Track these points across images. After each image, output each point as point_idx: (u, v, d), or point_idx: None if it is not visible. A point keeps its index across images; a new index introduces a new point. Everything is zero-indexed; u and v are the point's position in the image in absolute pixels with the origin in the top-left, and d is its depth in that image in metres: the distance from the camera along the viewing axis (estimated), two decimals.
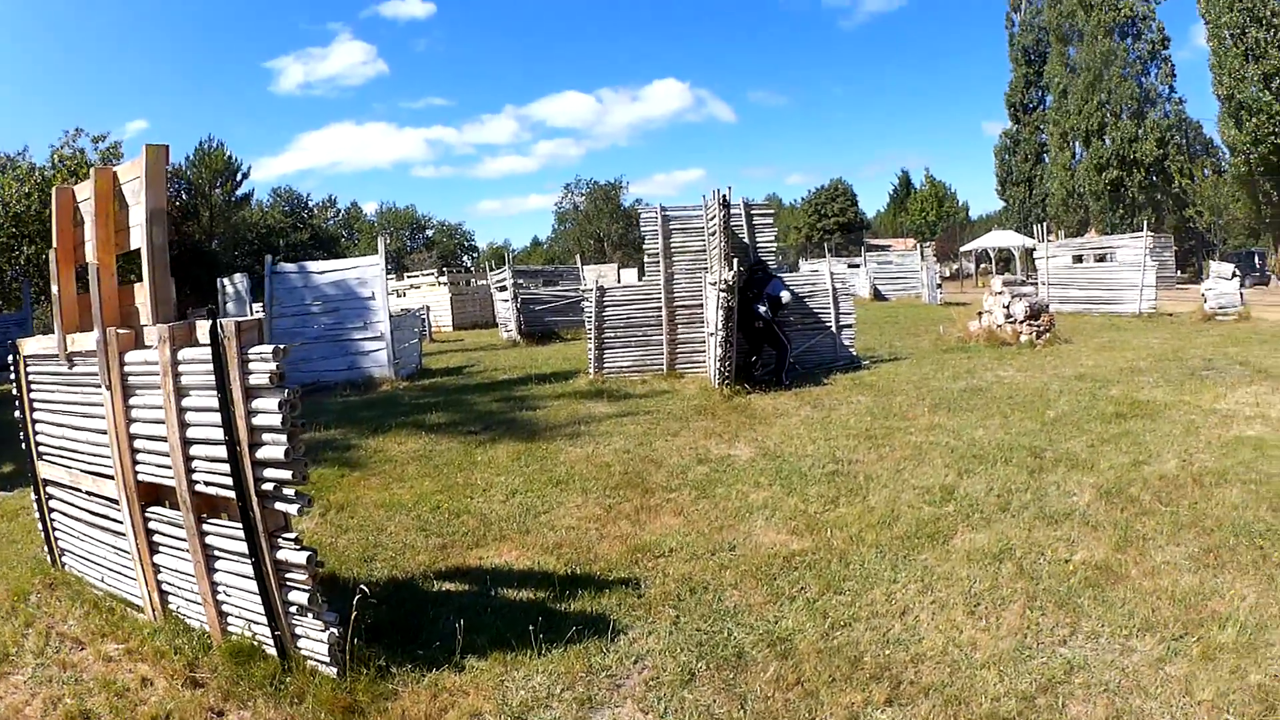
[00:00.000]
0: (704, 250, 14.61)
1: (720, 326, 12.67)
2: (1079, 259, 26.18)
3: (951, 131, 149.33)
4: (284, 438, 4.21)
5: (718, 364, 12.93)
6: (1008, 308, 17.32)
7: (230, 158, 61.46)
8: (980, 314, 18.20)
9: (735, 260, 12.95)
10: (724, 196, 13.06)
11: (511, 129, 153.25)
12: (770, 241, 15.02)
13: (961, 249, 58.09)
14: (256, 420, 4.29)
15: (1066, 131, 50.01)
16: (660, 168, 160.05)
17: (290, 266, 18.04)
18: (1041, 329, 16.92)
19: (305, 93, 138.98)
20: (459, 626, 4.83)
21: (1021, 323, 17.01)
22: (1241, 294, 21.54)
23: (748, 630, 4.95)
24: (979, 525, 6.56)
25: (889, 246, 61.86)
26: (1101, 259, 25.49)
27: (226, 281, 28.34)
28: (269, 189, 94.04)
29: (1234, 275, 21.61)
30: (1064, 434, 9.23)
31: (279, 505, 4.35)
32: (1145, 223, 27.38)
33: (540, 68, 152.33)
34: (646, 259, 15.39)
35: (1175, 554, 5.66)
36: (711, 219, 13.92)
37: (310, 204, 79.82)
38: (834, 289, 15.32)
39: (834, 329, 15.30)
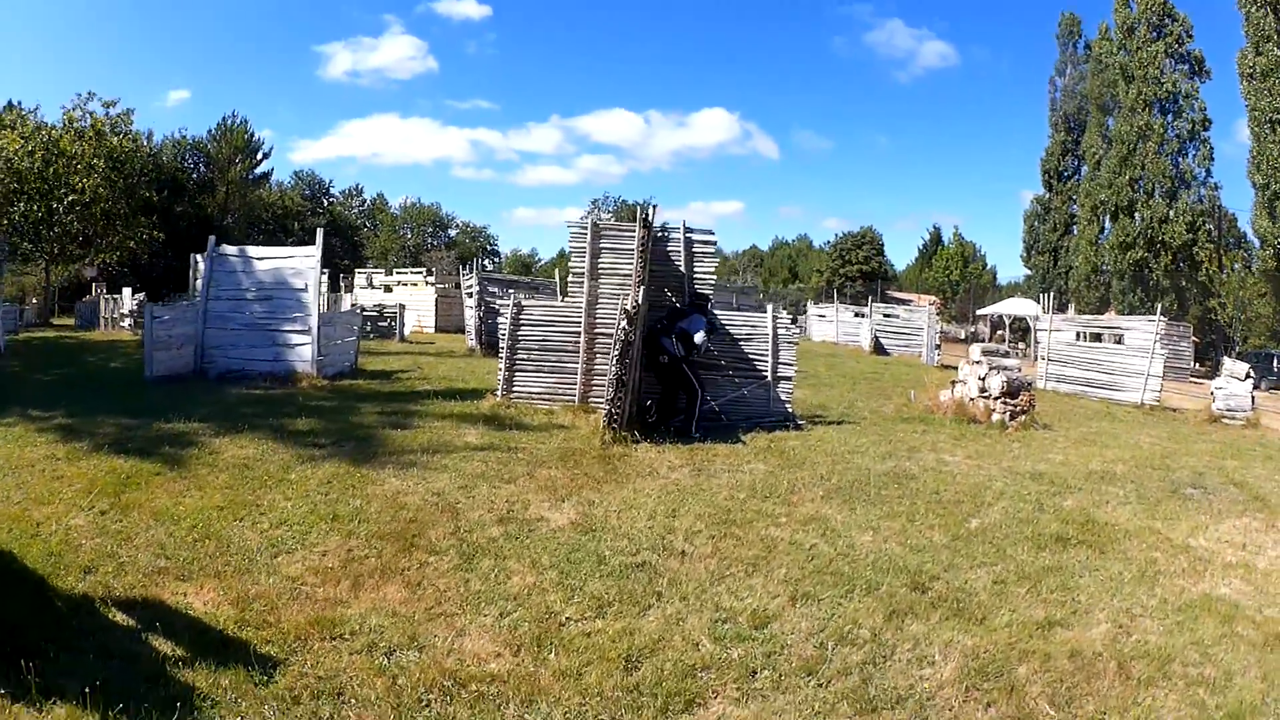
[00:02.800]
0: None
1: (614, 361, 10.44)
2: (1089, 336, 23.40)
3: (990, 194, 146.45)
4: None
5: (607, 404, 10.61)
6: (983, 380, 14.75)
7: (251, 136, 60.98)
8: (953, 383, 15.66)
9: (643, 288, 11.05)
10: (645, 216, 11.28)
11: (556, 139, 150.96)
12: (710, 272, 12.89)
13: (978, 312, 55.43)
14: None
15: (1097, 205, 46.90)
16: (699, 196, 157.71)
17: (232, 249, 16.60)
18: (1017, 409, 14.34)
19: (352, 81, 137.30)
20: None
21: (995, 399, 14.43)
22: (1254, 397, 18.61)
23: None
24: (751, 696, 4.44)
25: (910, 301, 59.73)
26: (1098, 337, 22.89)
27: (199, 257, 26.35)
28: (292, 171, 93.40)
29: (1248, 376, 18.63)
30: (974, 557, 6.88)
31: None
32: (1160, 308, 24.62)
33: (591, 81, 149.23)
34: (571, 278, 13.10)
35: None
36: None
37: (332, 190, 78.65)
38: (774, 334, 12.91)
39: (769, 380, 12.86)
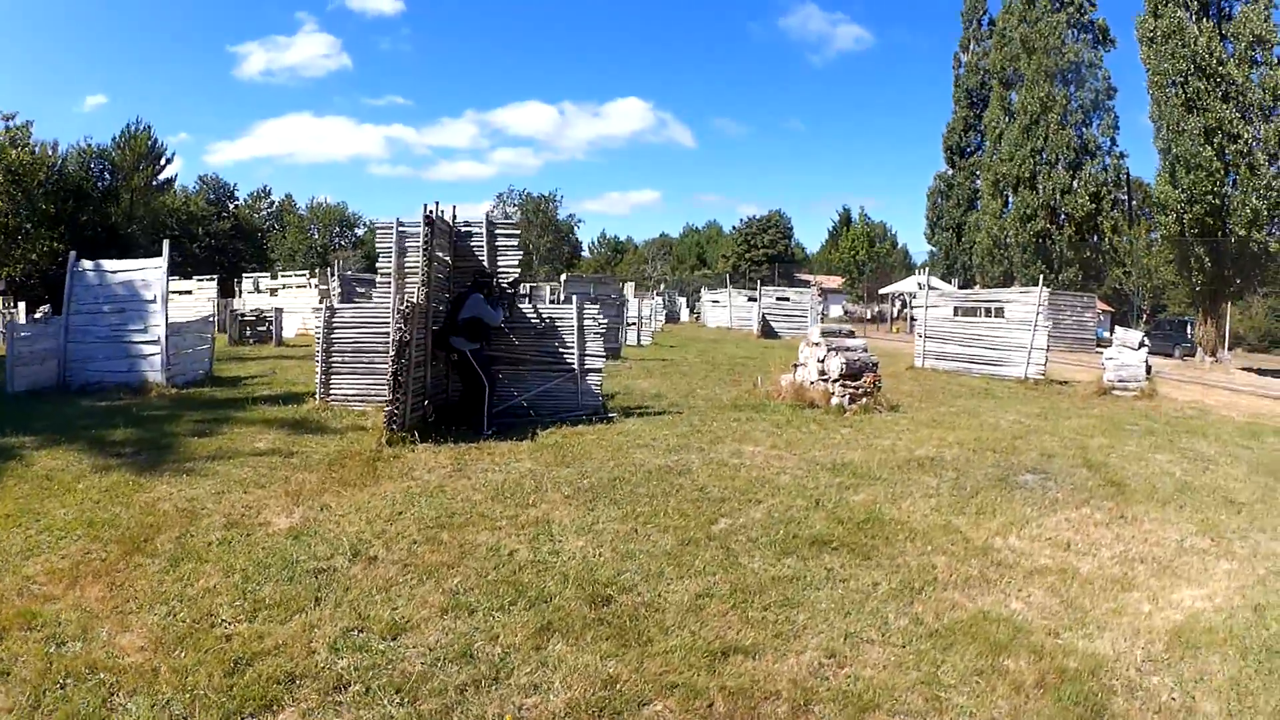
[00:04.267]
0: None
1: (391, 360, 9.97)
2: (962, 311, 23.10)
3: (905, 174, 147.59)
4: None
5: (387, 405, 10.15)
6: (822, 362, 14.32)
7: (154, 142, 60.48)
8: (795, 366, 15.22)
9: (426, 288, 10.81)
10: (428, 214, 10.80)
11: (471, 133, 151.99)
12: (513, 265, 12.45)
13: (880, 291, 55.50)
14: None
15: (999, 179, 47.04)
16: (616, 186, 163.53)
17: (88, 264, 16.49)
18: (859, 391, 13.93)
19: (266, 80, 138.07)
20: None
21: (834, 382, 14.00)
22: (1149, 366, 18.10)
23: None
24: (325, 708, 4.21)
25: (817, 283, 60.81)
26: (972, 312, 22.67)
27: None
28: (197, 176, 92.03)
29: (1141, 345, 18.08)
30: (692, 565, 6.15)
31: None
32: (1040, 278, 24.39)
33: (504, 74, 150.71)
34: (379, 279, 12.68)
35: None
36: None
37: (236, 193, 77.76)
38: (579, 325, 12.42)
39: (577, 372, 12.40)
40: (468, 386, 11.44)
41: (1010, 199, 46.91)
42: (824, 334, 14.86)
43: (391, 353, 9.98)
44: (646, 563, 6.16)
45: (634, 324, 30.38)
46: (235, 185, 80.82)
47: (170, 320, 15.91)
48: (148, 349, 15.68)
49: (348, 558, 6.19)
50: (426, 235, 10.63)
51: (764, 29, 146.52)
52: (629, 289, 50.48)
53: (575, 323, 12.38)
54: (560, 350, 12.40)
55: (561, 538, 6.72)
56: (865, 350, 14.55)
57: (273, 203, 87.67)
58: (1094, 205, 43.21)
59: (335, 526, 6.92)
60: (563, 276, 24.89)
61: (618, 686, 4.36)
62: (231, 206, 74.12)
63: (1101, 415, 14.44)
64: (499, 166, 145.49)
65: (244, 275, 40.67)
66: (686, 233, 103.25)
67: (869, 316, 52.48)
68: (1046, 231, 43.94)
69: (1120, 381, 17.78)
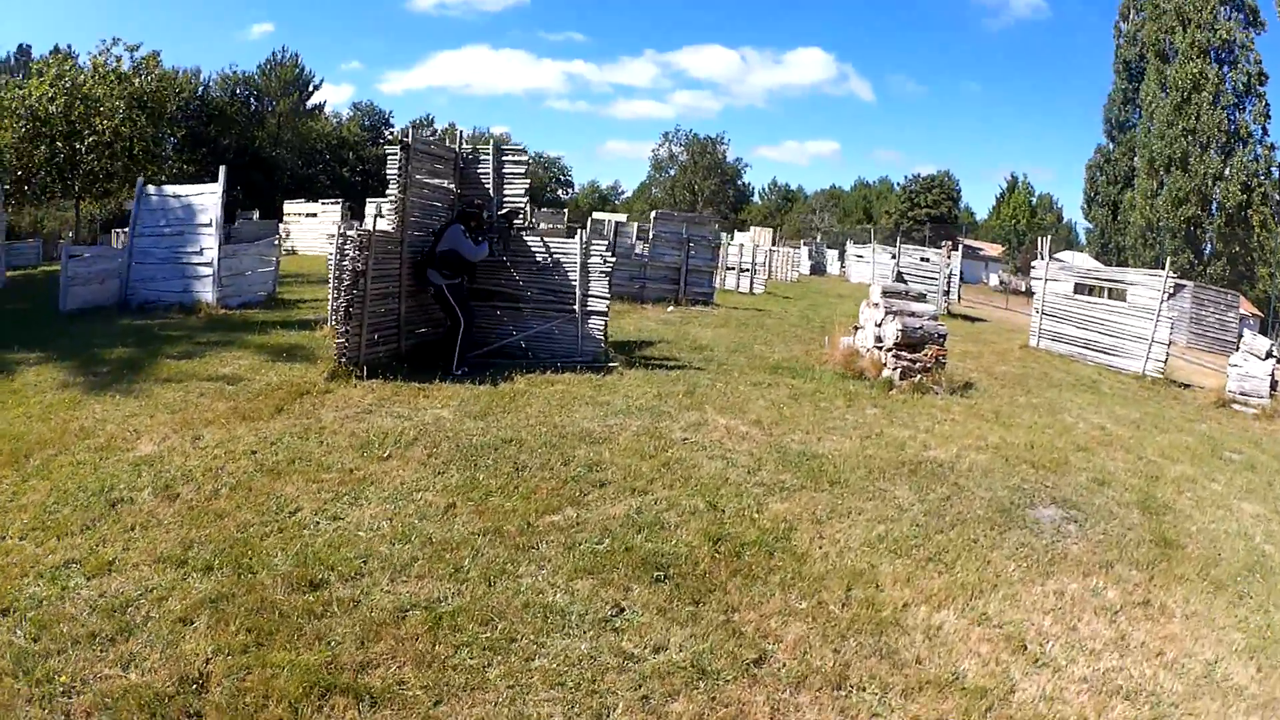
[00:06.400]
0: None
1: (344, 291, 9.13)
2: (1084, 289, 19.85)
3: (1079, 148, 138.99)
4: None
5: (339, 337, 9.33)
6: (879, 326, 12.25)
7: (301, 70, 61.20)
8: (855, 329, 13.36)
9: (393, 215, 10.08)
10: (402, 139, 10.03)
11: (651, 73, 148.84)
12: (519, 193, 11.32)
13: (1033, 264, 51.92)
14: None
15: (1154, 157, 42.82)
16: (794, 135, 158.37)
17: (153, 189, 16.89)
18: (915, 365, 11.67)
19: (440, 12, 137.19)
20: None
21: (887, 351, 11.86)
22: (1275, 381, 14.81)
23: None
24: None
25: (980, 249, 58.79)
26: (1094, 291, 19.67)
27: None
28: (350, 102, 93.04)
29: (1269, 355, 14.79)
30: (437, 566, 4.93)
31: None
32: (1169, 264, 21.26)
33: (684, 15, 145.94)
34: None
35: None
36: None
37: (392, 121, 77.21)
38: (584, 262, 11.07)
39: (579, 314, 11.14)
40: (450, 322, 10.41)
41: (1164, 180, 42.78)
42: (887, 293, 12.64)
43: (345, 281, 9.11)
44: (401, 551, 5.09)
45: (747, 270, 29.08)
46: (390, 113, 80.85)
47: (231, 243, 16.37)
48: (203, 270, 15.82)
49: (153, 491, 5.85)
50: (401, 160, 9.71)
51: None
52: (761, 234, 49.06)
53: (578, 260, 11.09)
54: (563, 290, 11.19)
55: (363, 504, 5.78)
56: (934, 319, 12.19)
57: (434, 132, 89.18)
58: (1244, 196, 38.95)
59: (183, 459, 6.53)
60: (652, 214, 23.44)
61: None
62: (387, 133, 74.82)
63: (1204, 435, 11.25)
64: (678, 108, 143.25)
65: (370, 200, 40.64)
66: (856, 186, 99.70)
67: (1023, 289, 49.07)
68: (1197, 219, 39.89)
69: (1242, 394, 14.81)
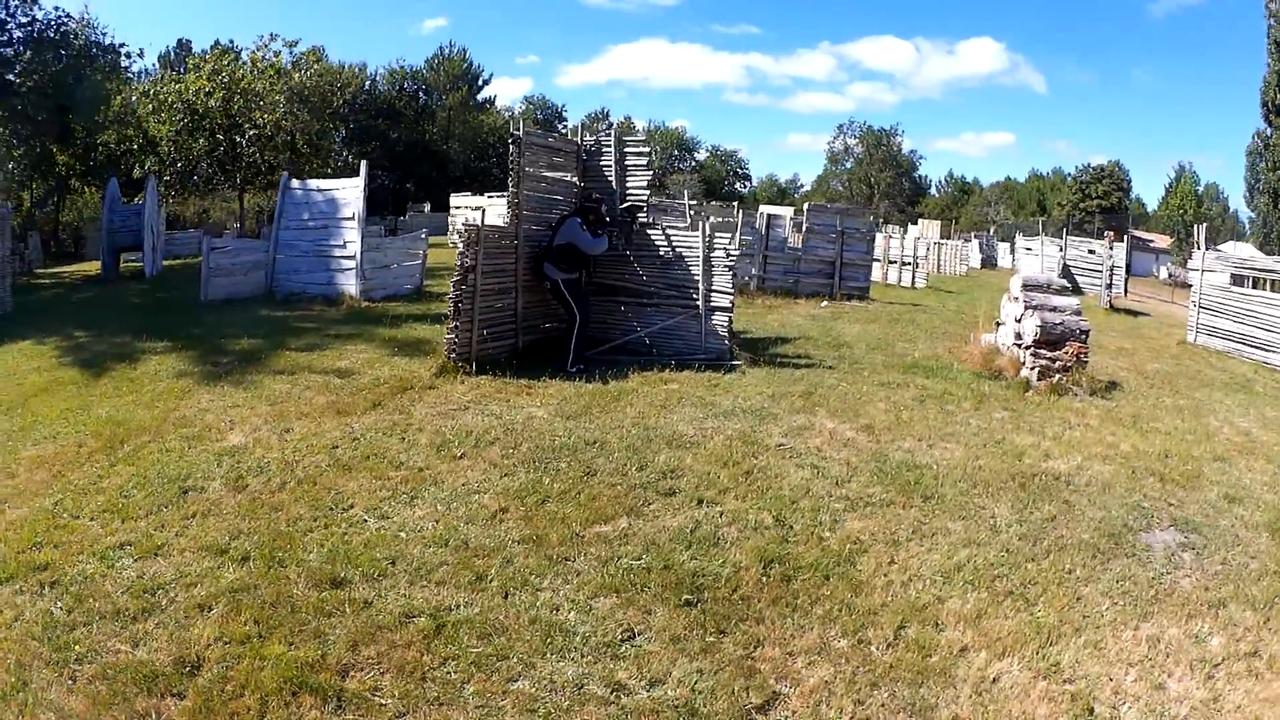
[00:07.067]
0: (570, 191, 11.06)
1: (453, 286, 9.07)
2: (1240, 280, 17.89)
3: (1249, 130, 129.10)
4: None
5: (448, 333, 9.27)
6: (1019, 322, 11.34)
7: (469, 64, 62.16)
8: (997, 325, 12.45)
9: (510, 210, 10.11)
10: (514, 135, 9.91)
11: (828, 66, 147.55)
12: (642, 185, 11.11)
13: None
14: None
15: None
16: (971, 127, 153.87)
17: (297, 184, 17.53)
18: (1054, 364, 10.67)
19: (614, 5, 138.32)
20: None
21: (1026, 349, 10.96)
22: None
23: None
24: None
25: (1150, 240, 57.13)
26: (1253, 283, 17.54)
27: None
28: (522, 96, 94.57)
29: None
30: (463, 574, 4.68)
31: None
32: None
33: (857, 6, 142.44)
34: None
35: None
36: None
37: (565, 115, 78.67)
38: (706, 256, 10.60)
39: (701, 310, 10.67)
40: (567, 318, 10.24)
41: None
42: (1027, 286, 11.56)
43: (456, 277, 9.05)
44: (432, 555, 4.90)
45: (908, 264, 28.38)
46: (564, 106, 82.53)
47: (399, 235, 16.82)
48: (345, 263, 16.21)
49: (224, 482, 5.95)
50: (514, 154, 9.64)
51: None
52: (929, 226, 47.69)
53: (700, 254, 10.65)
54: (685, 285, 10.77)
55: (416, 504, 5.64)
56: (1077, 313, 11.19)
57: (609, 125, 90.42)
58: None
59: (264, 451, 6.56)
60: (805, 205, 22.91)
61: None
62: (561, 127, 76.24)
63: None
64: (855, 101, 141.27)
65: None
66: (1030, 178, 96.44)
67: (1190, 282, 45.82)
68: None
69: None
